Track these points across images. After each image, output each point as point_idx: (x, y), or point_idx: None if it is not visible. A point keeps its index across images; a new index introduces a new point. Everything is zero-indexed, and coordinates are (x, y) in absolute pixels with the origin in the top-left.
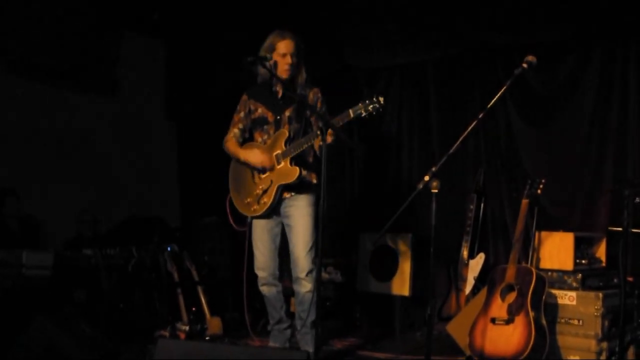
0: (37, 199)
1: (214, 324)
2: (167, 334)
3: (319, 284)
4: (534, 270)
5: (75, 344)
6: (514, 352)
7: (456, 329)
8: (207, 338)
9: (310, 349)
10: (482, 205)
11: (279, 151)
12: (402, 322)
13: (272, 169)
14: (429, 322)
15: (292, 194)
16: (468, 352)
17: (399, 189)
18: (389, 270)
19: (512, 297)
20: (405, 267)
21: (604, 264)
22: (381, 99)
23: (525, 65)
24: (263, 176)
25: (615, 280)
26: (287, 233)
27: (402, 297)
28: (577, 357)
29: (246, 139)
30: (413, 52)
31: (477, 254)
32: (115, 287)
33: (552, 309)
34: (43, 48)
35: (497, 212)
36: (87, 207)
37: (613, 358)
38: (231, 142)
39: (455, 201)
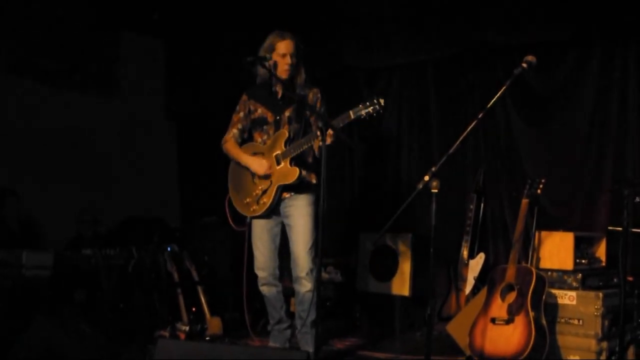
0: (37, 199)
1: (214, 324)
2: (167, 334)
3: (319, 283)
4: (534, 270)
5: (75, 344)
6: (514, 352)
7: (456, 329)
8: (207, 338)
9: (310, 349)
10: (482, 205)
11: (278, 152)
12: (402, 322)
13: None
14: (429, 322)
15: (292, 193)
16: (468, 352)
17: (399, 189)
18: (389, 270)
19: (512, 297)
20: (405, 267)
21: (603, 264)
22: (382, 101)
23: (525, 65)
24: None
25: (615, 280)
26: (287, 232)
27: (402, 297)
28: (577, 357)
29: (245, 140)
30: (413, 52)
31: (477, 253)
32: (115, 287)
33: (552, 309)
34: (43, 48)
35: (497, 212)
36: (87, 207)
37: (613, 358)
38: (230, 143)
39: (455, 201)
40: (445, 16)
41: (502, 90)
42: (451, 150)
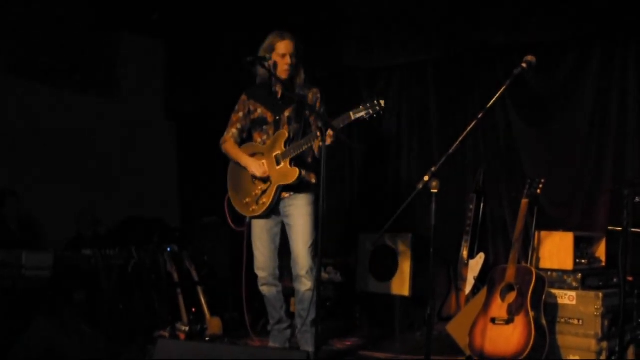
0: (37, 199)
1: (214, 324)
2: (167, 334)
3: (319, 283)
4: (533, 270)
5: (75, 344)
6: (514, 352)
7: (456, 329)
8: (207, 338)
9: (310, 349)
10: (481, 205)
11: (278, 152)
12: (402, 322)
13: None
14: (429, 322)
15: (291, 193)
16: (468, 352)
17: (399, 189)
18: (389, 270)
19: (512, 297)
20: (405, 267)
21: (603, 264)
22: (382, 102)
23: (524, 65)
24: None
25: (615, 280)
26: (287, 232)
27: (402, 297)
28: (577, 357)
29: (244, 140)
30: (413, 52)
31: (477, 253)
32: (115, 287)
33: (552, 309)
34: (43, 48)
35: (497, 212)
36: (87, 207)
37: (613, 358)
38: (229, 143)
39: (455, 201)
40: (445, 16)
41: (501, 90)
42: (451, 150)
